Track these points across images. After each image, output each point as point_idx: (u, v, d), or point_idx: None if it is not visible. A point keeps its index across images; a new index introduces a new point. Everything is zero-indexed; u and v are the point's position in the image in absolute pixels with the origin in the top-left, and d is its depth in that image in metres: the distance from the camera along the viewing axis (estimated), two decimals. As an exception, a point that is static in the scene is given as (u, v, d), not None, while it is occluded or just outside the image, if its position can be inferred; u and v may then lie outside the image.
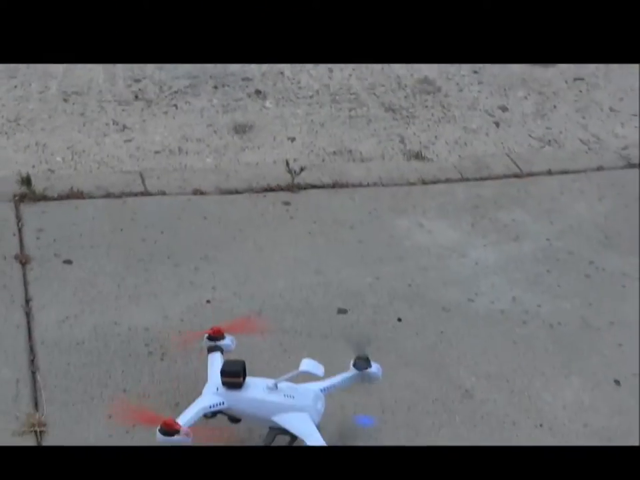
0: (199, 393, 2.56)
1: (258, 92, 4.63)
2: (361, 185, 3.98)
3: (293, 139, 4.30)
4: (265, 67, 4.83)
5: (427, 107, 4.69)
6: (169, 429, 2.38)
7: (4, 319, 3.02)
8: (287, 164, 3.92)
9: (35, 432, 2.64)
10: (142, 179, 3.82)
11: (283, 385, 2.54)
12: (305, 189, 3.88)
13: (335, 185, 3.94)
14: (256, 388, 2.53)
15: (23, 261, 3.27)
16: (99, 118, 4.29)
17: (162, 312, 3.13)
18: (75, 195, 3.65)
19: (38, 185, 3.64)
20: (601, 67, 5.19)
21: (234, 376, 2.52)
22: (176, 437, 2.38)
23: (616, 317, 3.35)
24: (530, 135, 4.55)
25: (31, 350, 2.92)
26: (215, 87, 4.63)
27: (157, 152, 4.09)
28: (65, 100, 4.39)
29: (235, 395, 2.52)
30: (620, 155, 4.41)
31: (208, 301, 3.19)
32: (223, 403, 2.52)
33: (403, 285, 3.39)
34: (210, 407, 2.51)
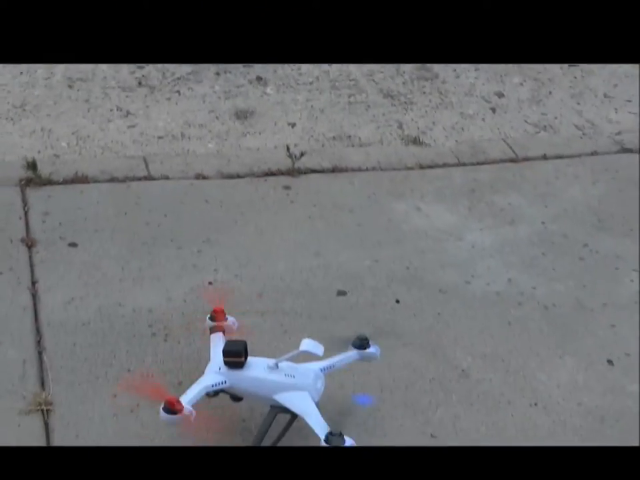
0: (202, 373, 2.59)
1: (259, 78, 4.64)
2: (360, 170, 3.99)
3: (293, 125, 4.32)
4: (265, 54, 4.86)
5: (424, 93, 4.71)
6: (172, 408, 2.40)
7: (11, 300, 3.05)
8: (288, 149, 3.94)
9: (42, 410, 2.67)
10: (145, 163, 3.85)
11: (284, 364, 2.56)
12: (305, 173, 3.90)
13: (334, 170, 3.96)
14: (257, 367, 2.56)
15: (29, 244, 3.30)
16: (103, 104, 4.31)
17: (165, 294, 3.16)
18: (79, 179, 3.68)
19: (43, 170, 3.66)
20: (596, 53, 5.21)
21: (236, 355, 2.54)
22: (179, 415, 2.41)
23: (609, 298, 3.38)
24: (525, 121, 4.57)
25: (37, 331, 2.95)
26: (217, 74, 4.64)
27: (160, 137, 4.12)
28: (70, 86, 4.41)
29: (236, 374, 2.55)
30: (614, 140, 4.43)
31: (210, 283, 3.22)
32: (225, 382, 2.55)
33: (401, 267, 3.42)
34: (212, 386, 2.54)
